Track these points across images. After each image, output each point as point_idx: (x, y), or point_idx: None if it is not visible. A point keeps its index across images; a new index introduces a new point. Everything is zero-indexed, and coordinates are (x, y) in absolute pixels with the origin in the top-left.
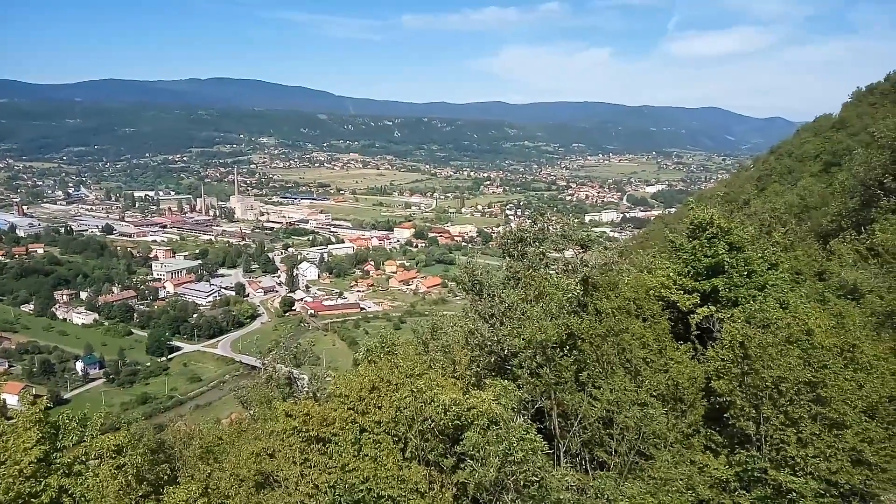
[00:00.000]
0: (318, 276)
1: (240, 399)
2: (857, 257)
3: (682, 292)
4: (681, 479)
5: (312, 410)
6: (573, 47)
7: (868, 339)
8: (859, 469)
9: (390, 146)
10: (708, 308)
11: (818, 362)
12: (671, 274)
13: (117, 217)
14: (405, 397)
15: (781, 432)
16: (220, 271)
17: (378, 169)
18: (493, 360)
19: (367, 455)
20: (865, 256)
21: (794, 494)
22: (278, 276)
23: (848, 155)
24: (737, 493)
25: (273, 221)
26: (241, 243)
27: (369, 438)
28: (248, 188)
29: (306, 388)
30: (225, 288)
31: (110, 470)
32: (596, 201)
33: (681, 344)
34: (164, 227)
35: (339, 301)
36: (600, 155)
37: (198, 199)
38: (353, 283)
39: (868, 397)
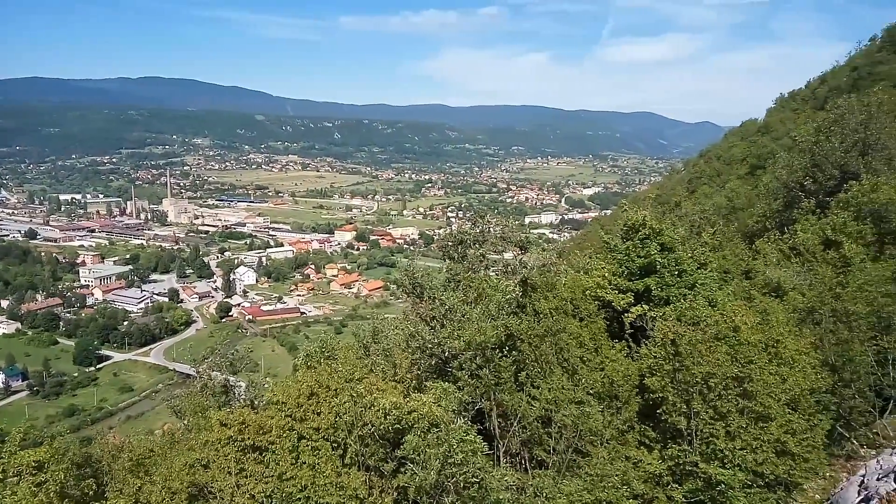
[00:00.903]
0: (257, 281)
1: (173, 409)
2: (780, 256)
3: (616, 292)
4: (616, 475)
5: (248, 419)
6: (512, 51)
7: (791, 335)
8: (783, 460)
9: (330, 148)
10: (641, 307)
11: (744, 358)
12: (606, 274)
13: (41, 221)
14: (344, 402)
15: (711, 426)
16: (153, 277)
17: (318, 171)
18: (433, 362)
19: (304, 463)
20: (788, 255)
21: (723, 486)
22: (214, 282)
23: (772, 158)
24: (670, 486)
25: (208, 225)
26: (175, 248)
27: (307, 446)
28: (182, 191)
29: (243, 396)
30: (157, 294)
31: (30, 487)
32: (535, 203)
33: (616, 342)
34: (93, 231)
35: (279, 306)
36: (539, 158)
37: (128, 203)
38: (293, 287)
39: (791, 390)
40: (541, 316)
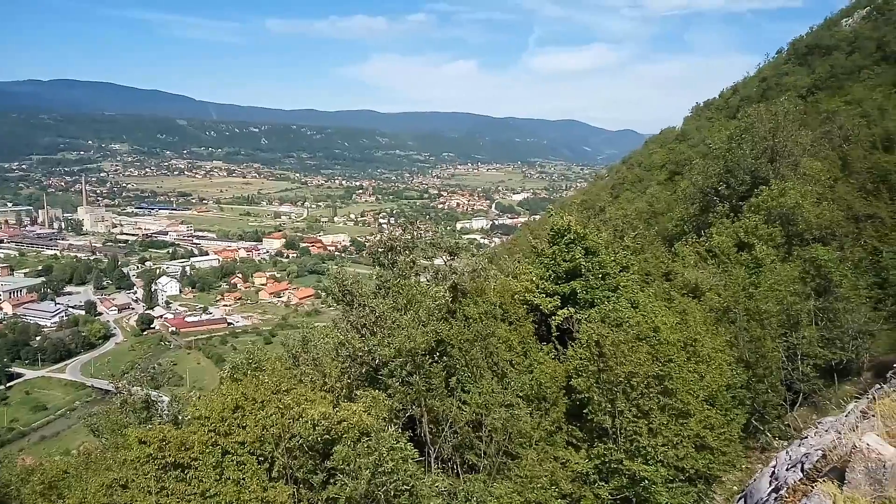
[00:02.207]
0: (180, 291)
1: (90, 427)
2: (697, 258)
3: (544, 296)
4: (545, 476)
5: (169, 435)
6: (441, 58)
7: (707, 334)
8: (703, 454)
9: (257, 154)
10: (567, 310)
11: (664, 357)
12: (534, 278)
13: None
14: (271, 415)
15: (634, 424)
16: (68, 289)
17: (244, 177)
18: (364, 370)
19: (229, 478)
20: (705, 257)
21: (647, 482)
22: (134, 293)
23: (688, 165)
24: (596, 484)
25: (127, 234)
26: (92, 258)
27: (232, 461)
28: (99, 198)
29: (166, 412)
30: (73, 307)
31: None
32: (466, 209)
33: (544, 345)
34: (1, 241)
35: (204, 317)
36: (469, 164)
37: (40, 211)
38: (220, 297)
39: (708, 387)
40: (470, 321)
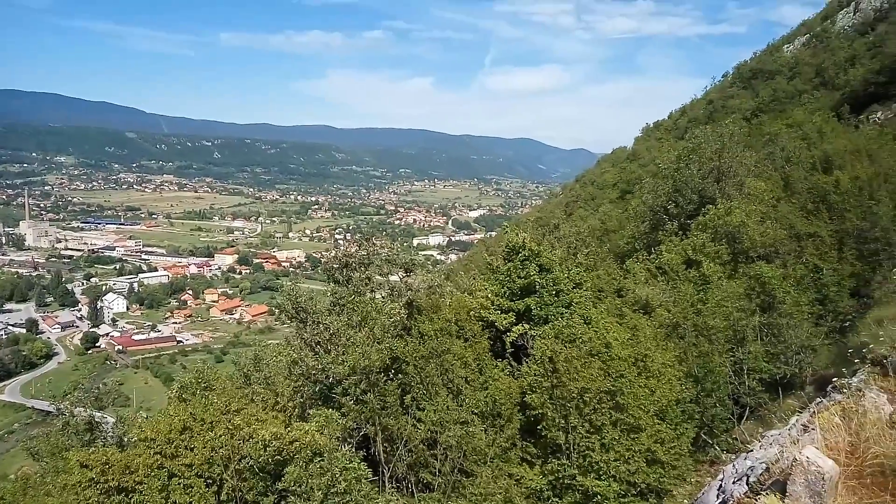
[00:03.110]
0: (128, 308)
1: (29, 451)
2: (648, 275)
3: (499, 312)
4: (499, 493)
5: (112, 458)
6: (398, 75)
7: (657, 349)
8: (654, 468)
9: (210, 168)
10: (522, 326)
11: (616, 372)
12: (490, 295)
13: None
14: (220, 436)
15: (587, 439)
16: (8, 306)
17: (196, 192)
18: (317, 389)
19: (175, 502)
20: (655, 274)
21: (600, 497)
22: (79, 310)
23: (639, 184)
24: (550, 501)
25: (72, 249)
26: (34, 274)
27: (179, 484)
28: (43, 212)
29: (111, 434)
30: (13, 325)
31: None
32: (423, 225)
33: (499, 361)
34: None
35: (153, 335)
36: (426, 180)
37: None
38: (169, 314)
39: (659, 402)
40: (426, 338)
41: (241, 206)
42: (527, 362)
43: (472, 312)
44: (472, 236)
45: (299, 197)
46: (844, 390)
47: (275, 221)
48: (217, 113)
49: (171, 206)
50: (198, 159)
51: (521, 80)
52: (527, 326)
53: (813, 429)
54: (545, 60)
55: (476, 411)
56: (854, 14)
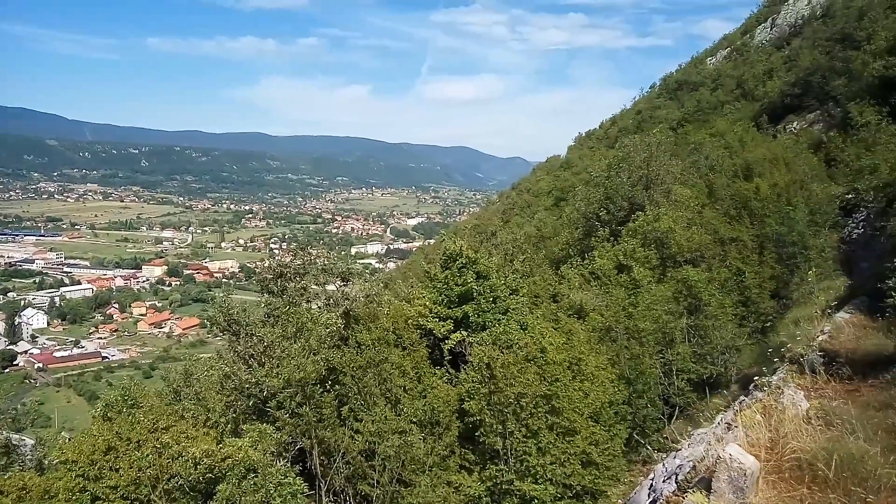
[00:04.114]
0: (48, 324)
1: None
2: (582, 280)
3: (437, 320)
4: (438, 502)
5: (31, 483)
6: (334, 82)
7: (591, 353)
8: (589, 470)
9: (137, 176)
10: (460, 333)
11: (551, 376)
12: (428, 303)
13: None
14: (147, 455)
15: (524, 444)
16: None
17: (122, 201)
18: (251, 403)
19: None
20: (588, 279)
21: (537, 501)
22: None
23: (572, 191)
24: None
25: None
26: None
27: None
28: None
29: (29, 457)
30: None
31: None
32: (361, 234)
33: (437, 369)
34: None
35: (76, 351)
36: (364, 189)
37: None
38: (94, 329)
39: (593, 404)
40: (363, 347)
41: (171, 215)
42: (465, 369)
43: (410, 321)
44: (410, 244)
45: (232, 206)
46: (765, 388)
47: (206, 231)
48: (145, 119)
49: (96, 216)
50: (124, 167)
51: (458, 88)
52: (465, 333)
53: (736, 426)
54: (481, 70)
55: (414, 420)
56: (771, 29)
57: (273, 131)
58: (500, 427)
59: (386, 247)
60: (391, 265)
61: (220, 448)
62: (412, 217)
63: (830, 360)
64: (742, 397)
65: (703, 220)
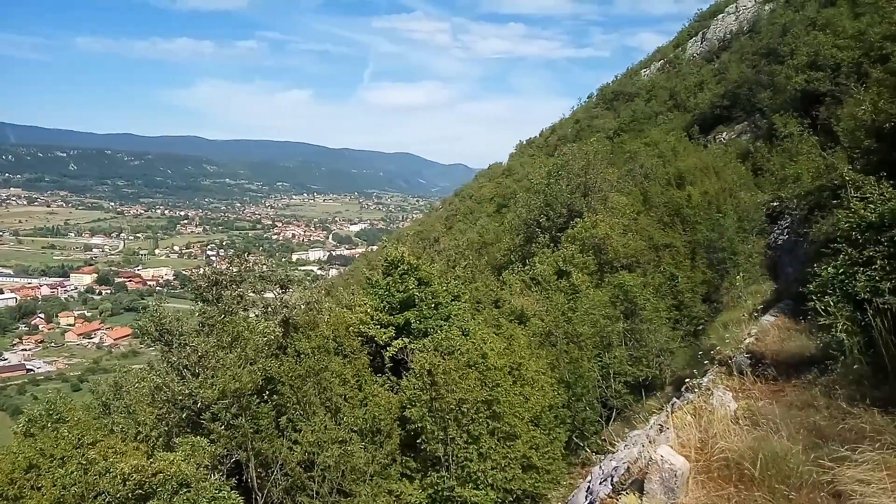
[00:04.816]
0: None
1: None
2: (523, 286)
3: (378, 327)
4: None
5: None
6: (275, 86)
7: (531, 357)
8: (529, 474)
9: (64, 181)
10: (402, 340)
11: (492, 382)
12: (369, 310)
13: None
14: (72, 472)
15: (465, 450)
16: None
17: (49, 206)
18: (185, 415)
19: None
20: (529, 285)
21: None
22: None
23: (514, 198)
24: None
25: None
26: None
27: None
28: None
29: None
30: None
31: None
32: (303, 240)
33: (379, 377)
34: None
35: None
36: (305, 194)
37: None
38: (17, 340)
39: (533, 408)
40: (302, 356)
41: (101, 221)
42: (406, 376)
43: (351, 328)
44: (353, 251)
45: (167, 211)
46: (696, 390)
47: (139, 238)
48: (73, 122)
49: (20, 221)
50: (51, 171)
51: (401, 95)
52: (406, 340)
53: (668, 428)
54: (423, 77)
55: (355, 429)
56: (702, 43)
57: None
58: (442, 434)
59: (328, 253)
60: (333, 272)
61: (151, 463)
62: (355, 223)
63: (757, 361)
64: (675, 399)
65: (638, 227)
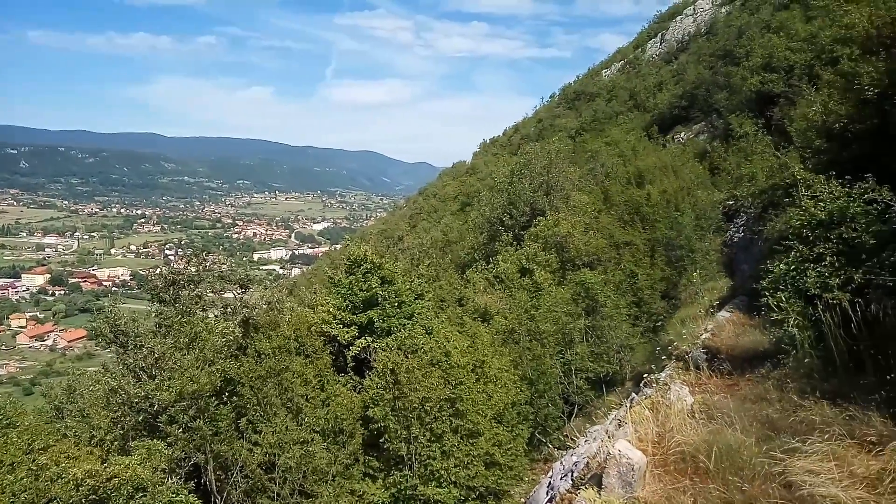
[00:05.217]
0: None
1: None
2: (486, 284)
3: (341, 326)
4: None
5: None
6: (234, 83)
7: (495, 355)
8: (492, 471)
9: (15, 178)
10: (365, 339)
11: (455, 379)
12: (332, 309)
13: None
14: (22, 478)
15: (428, 448)
16: None
17: None
18: (141, 418)
19: None
20: (493, 283)
21: None
22: None
23: (477, 196)
24: None
25: None
26: None
27: None
28: None
29: None
30: None
31: None
32: (264, 239)
33: (341, 376)
34: None
35: None
36: (266, 193)
37: None
38: None
39: (496, 406)
40: (263, 356)
41: (54, 220)
42: (369, 375)
43: (313, 328)
44: (316, 250)
45: (123, 210)
46: (654, 385)
47: (94, 237)
48: (24, 118)
49: None
50: (1, 169)
51: (363, 92)
52: (369, 339)
53: (626, 423)
54: (386, 75)
55: (317, 429)
56: (661, 44)
57: (168, 132)
58: (405, 432)
59: (290, 252)
60: (296, 271)
61: (106, 467)
62: (318, 222)
63: (713, 356)
64: (634, 394)
65: (599, 225)
